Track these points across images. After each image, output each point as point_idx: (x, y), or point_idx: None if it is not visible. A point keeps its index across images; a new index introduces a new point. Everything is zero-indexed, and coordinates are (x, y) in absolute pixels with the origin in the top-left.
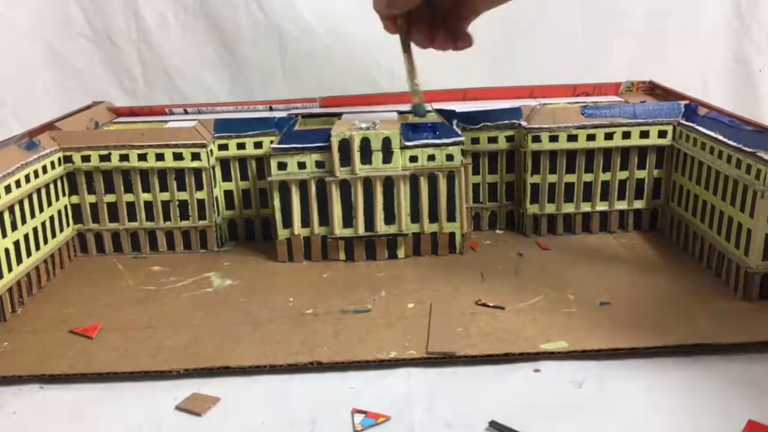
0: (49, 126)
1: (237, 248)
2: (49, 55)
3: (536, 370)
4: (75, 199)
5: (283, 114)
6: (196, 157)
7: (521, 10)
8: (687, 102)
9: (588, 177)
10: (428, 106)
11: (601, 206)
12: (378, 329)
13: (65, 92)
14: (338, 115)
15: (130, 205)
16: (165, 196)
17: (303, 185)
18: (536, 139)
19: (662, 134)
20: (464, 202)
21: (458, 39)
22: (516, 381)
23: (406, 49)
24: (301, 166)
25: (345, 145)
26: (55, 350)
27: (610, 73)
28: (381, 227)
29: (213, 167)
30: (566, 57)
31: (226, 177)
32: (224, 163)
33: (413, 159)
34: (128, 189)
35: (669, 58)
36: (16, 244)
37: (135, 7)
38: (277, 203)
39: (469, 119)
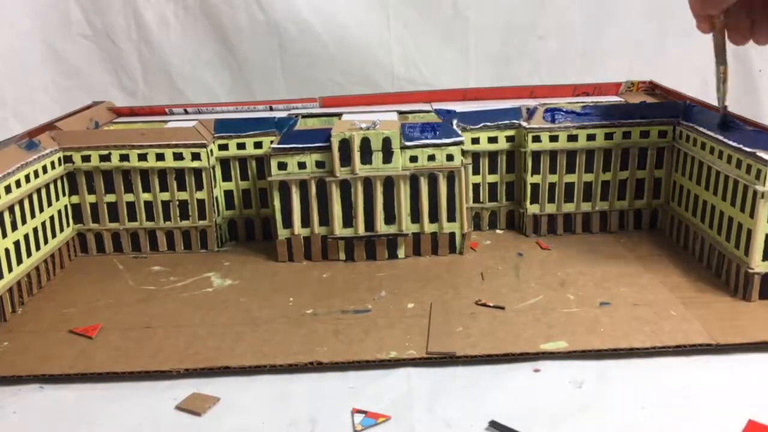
0: (49, 126)
1: (237, 248)
2: (49, 55)
3: (536, 370)
4: (75, 199)
5: (283, 114)
6: (196, 157)
7: (521, 9)
8: (687, 102)
9: (588, 177)
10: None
11: (601, 206)
12: (378, 329)
13: (65, 92)
14: (338, 115)
15: (130, 205)
16: (165, 196)
17: (303, 185)
18: (536, 139)
19: (662, 134)
20: (464, 202)
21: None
22: (516, 381)
23: (721, 55)
24: (301, 166)
25: (345, 145)
26: (55, 350)
27: (610, 73)
28: (381, 227)
29: (213, 167)
30: (566, 57)
31: (226, 177)
32: (224, 163)
33: (413, 159)
34: (128, 189)
35: (669, 58)
36: (16, 244)
37: (135, 7)
38: (277, 203)
39: (469, 119)
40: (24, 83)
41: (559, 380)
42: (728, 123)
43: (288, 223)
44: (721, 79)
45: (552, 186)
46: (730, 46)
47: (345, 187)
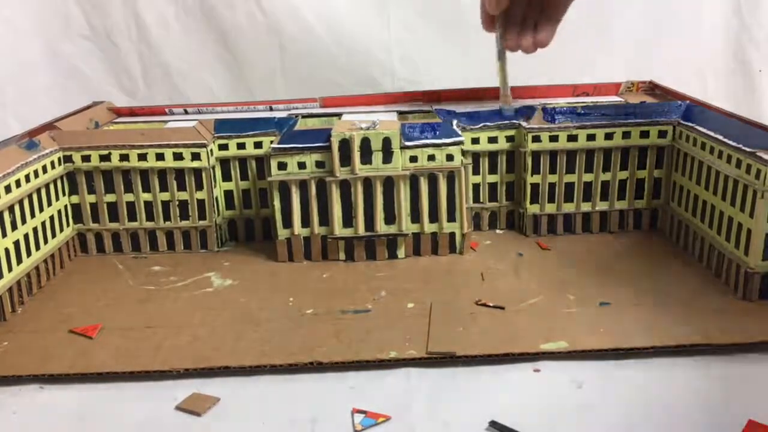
0: (49, 126)
1: (237, 248)
2: (49, 55)
3: (536, 370)
4: (75, 199)
5: (283, 114)
6: (196, 157)
7: None
8: (687, 102)
9: (588, 177)
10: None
11: (601, 206)
12: (378, 329)
13: (65, 92)
14: (338, 115)
15: (130, 205)
16: (165, 196)
17: (303, 185)
18: (536, 139)
19: (662, 134)
20: (464, 202)
21: (540, 36)
22: (516, 381)
23: (501, 54)
24: (301, 166)
25: (345, 145)
26: (55, 350)
27: (610, 73)
28: (381, 227)
29: (213, 167)
30: (566, 57)
31: (226, 177)
32: (224, 163)
33: (413, 159)
34: (128, 189)
35: (669, 58)
36: (16, 244)
37: (135, 7)
38: (277, 203)
39: (469, 119)
40: (24, 83)
41: (559, 380)
42: (513, 110)
43: (288, 223)
44: (503, 74)
45: (552, 186)
46: (726, 48)
47: (345, 187)
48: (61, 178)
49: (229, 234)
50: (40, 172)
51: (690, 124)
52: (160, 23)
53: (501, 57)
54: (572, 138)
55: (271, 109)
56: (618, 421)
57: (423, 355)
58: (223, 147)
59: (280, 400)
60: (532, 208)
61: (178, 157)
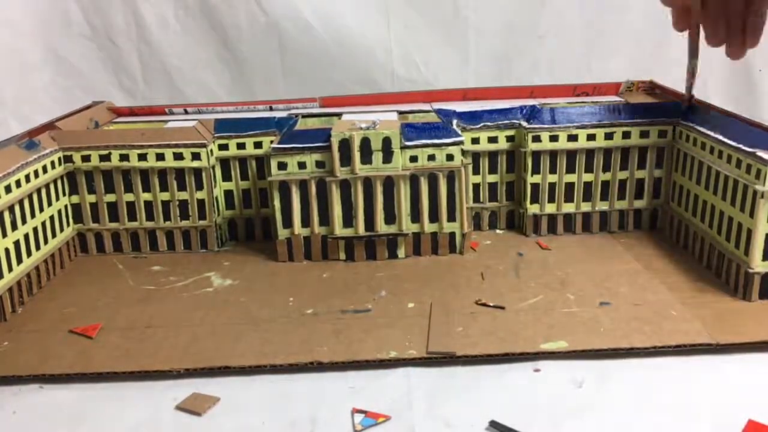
0: (49, 126)
1: (237, 248)
2: (49, 55)
3: (536, 370)
4: (75, 199)
5: (283, 114)
6: (196, 157)
7: (521, 9)
8: None
9: (588, 177)
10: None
11: (601, 206)
12: (378, 329)
13: (65, 92)
14: (338, 115)
15: (130, 205)
16: (165, 196)
17: (303, 185)
18: (536, 139)
19: (662, 134)
20: (464, 202)
21: (747, 35)
22: (516, 381)
23: (694, 49)
24: (301, 166)
25: (345, 145)
26: (55, 350)
27: (610, 73)
28: (381, 227)
29: (213, 167)
30: (566, 57)
31: (226, 177)
32: (224, 163)
33: (413, 159)
34: (128, 189)
35: (669, 58)
36: (16, 244)
37: (135, 7)
38: (277, 203)
39: (469, 119)
40: (24, 83)
41: (559, 380)
42: (693, 110)
43: (288, 223)
44: (691, 72)
45: (552, 186)
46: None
47: (345, 187)
48: (61, 178)
49: (229, 234)
50: (40, 172)
51: (690, 124)
52: (160, 23)
53: (694, 55)
54: (572, 138)
55: (271, 109)
56: (618, 421)
57: (423, 355)
58: (223, 147)
59: (280, 400)
60: (532, 208)
61: (178, 157)
